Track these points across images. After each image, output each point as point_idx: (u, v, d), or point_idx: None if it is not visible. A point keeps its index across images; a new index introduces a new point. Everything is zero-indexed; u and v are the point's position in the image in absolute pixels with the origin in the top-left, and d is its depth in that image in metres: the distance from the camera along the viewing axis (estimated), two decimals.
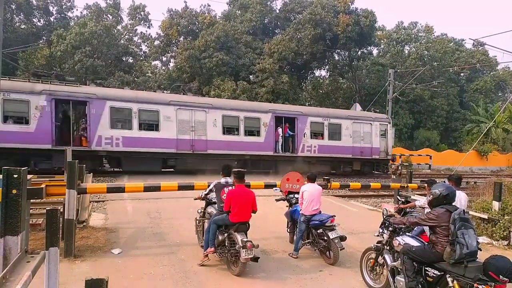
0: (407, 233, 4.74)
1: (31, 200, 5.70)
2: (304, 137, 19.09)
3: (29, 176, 4.94)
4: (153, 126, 16.21)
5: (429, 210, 4.24)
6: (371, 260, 5.12)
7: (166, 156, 16.55)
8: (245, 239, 5.21)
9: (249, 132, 17.94)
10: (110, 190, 7.20)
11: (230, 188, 5.74)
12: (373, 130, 21.02)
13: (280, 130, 18.71)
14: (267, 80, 29.34)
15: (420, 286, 4.06)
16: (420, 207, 6.02)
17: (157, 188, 6.91)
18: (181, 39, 32.94)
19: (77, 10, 46.18)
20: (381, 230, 4.99)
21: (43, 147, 14.40)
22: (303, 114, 19.32)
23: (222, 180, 6.03)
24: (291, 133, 19.26)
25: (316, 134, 19.55)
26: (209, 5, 35.43)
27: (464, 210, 4.14)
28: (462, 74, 41.32)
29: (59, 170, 13.75)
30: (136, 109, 15.79)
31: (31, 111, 14.28)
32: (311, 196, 6.27)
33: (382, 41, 38.62)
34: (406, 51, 37.41)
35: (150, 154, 16.03)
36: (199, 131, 16.86)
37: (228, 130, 17.56)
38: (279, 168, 17.97)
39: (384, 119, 22.15)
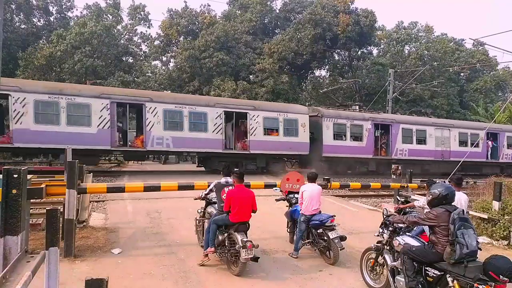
0: (407, 233, 4.73)
1: (31, 200, 5.70)
2: (503, 147, 25.44)
3: (29, 176, 4.94)
4: (422, 141, 22.57)
5: (429, 210, 4.24)
6: (371, 260, 5.12)
7: (425, 163, 22.57)
8: (245, 239, 5.20)
9: (473, 144, 23.61)
10: (110, 190, 7.20)
11: (230, 188, 5.74)
12: None
13: (489, 142, 25.00)
14: (267, 80, 29.32)
15: (420, 286, 4.05)
16: (419, 207, 6.01)
17: (157, 188, 6.89)
18: (181, 39, 32.91)
19: (77, 10, 46.24)
20: (381, 230, 4.98)
21: (366, 157, 20.91)
22: (502, 131, 25.96)
23: (222, 180, 6.03)
24: (495, 145, 25.38)
25: (510, 145, 25.91)
26: (209, 5, 35.33)
27: (463, 209, 4.13)
28: (462, 74, 41.23)
29: (373, 173, 21.05)
30: (414, 129, 22.29)
31: (364, 132, 20.68)
32: (311, 196, 6.26)
33: (382, 41, 38.51)
34: (406, 51, 37.33)
35: (417, 161, 22.00)
36: (445, 144, 23.31)
37: (462, 143, 23.77)
38: (484, 171, 23.48)
39: None
